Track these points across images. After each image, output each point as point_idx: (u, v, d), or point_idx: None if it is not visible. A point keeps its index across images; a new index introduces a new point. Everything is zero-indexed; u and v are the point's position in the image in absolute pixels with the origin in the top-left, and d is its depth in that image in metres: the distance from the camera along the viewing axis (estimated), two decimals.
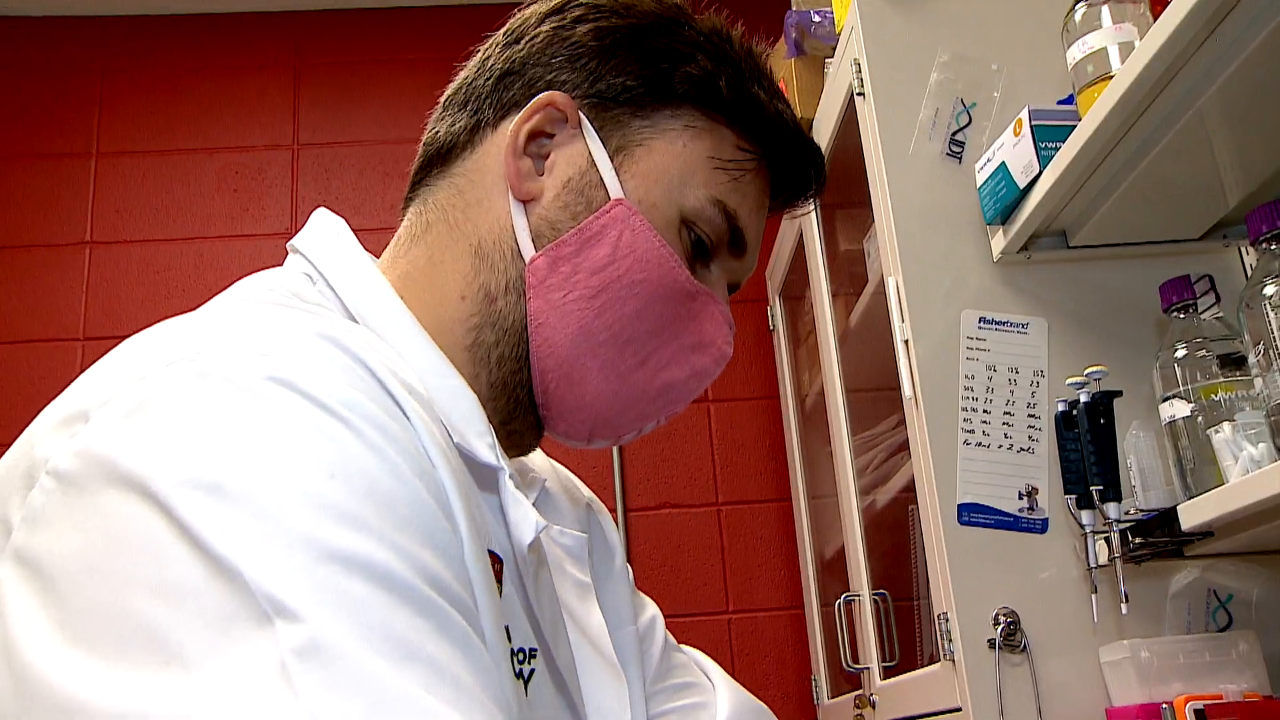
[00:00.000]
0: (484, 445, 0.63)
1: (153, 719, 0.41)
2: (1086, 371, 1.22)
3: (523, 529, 0.63)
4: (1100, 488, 1.19)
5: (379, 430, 0.49)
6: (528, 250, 0.68)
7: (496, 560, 0.61)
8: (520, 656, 0.63)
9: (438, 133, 0.74)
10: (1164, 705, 1.12)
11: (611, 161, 0.70)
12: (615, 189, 0.69)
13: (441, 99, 0.77)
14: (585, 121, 0.70)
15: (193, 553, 0.44)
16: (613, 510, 2.36)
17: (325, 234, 0.70)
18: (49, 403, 0.54)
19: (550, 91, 0.70)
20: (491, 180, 0.70)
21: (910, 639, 1.77)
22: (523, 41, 0.73)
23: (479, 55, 0.76)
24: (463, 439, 0.62)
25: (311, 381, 0.49)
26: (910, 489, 1.70)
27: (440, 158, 0.73)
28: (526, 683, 0.64)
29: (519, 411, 0.71)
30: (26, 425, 0.56)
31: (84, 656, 0.43)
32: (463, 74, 0.76)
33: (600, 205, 0.68)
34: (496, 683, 0.47)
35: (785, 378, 2.37)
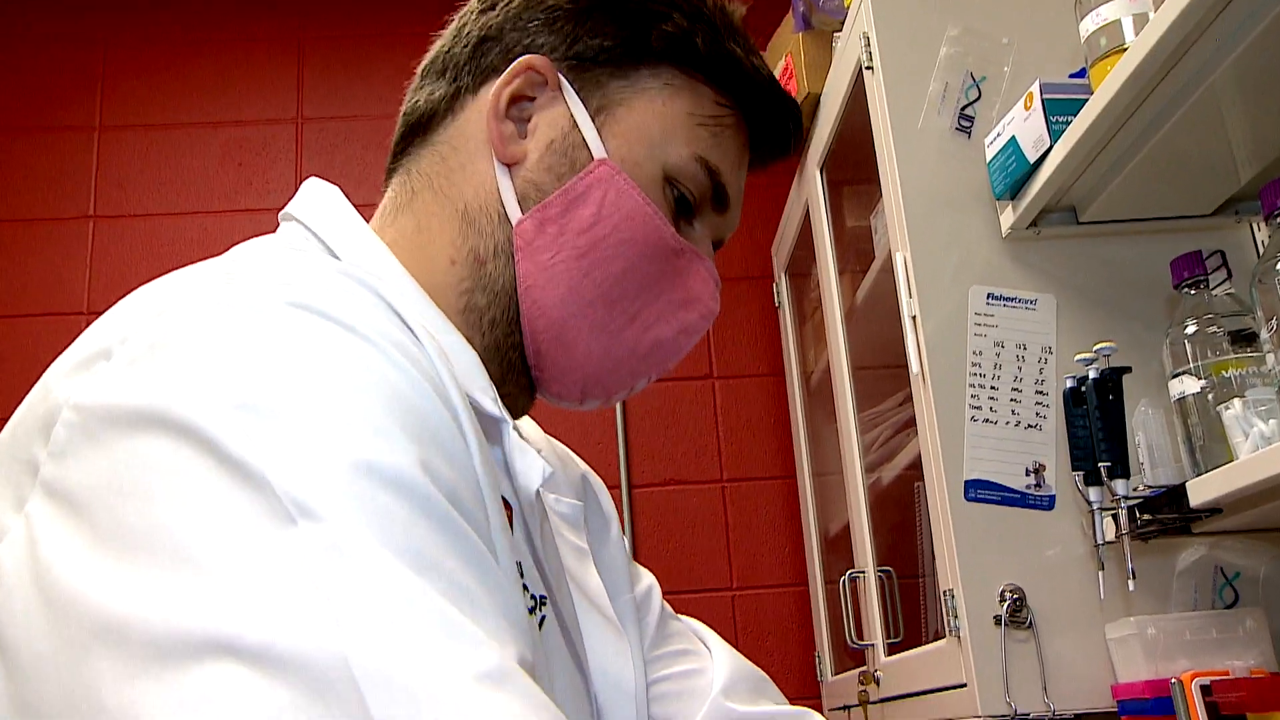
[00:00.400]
0: (487, 399, 0.63)
1: (180, 622, 0.41)
2: (1096, 348, 1.22)
3: (530, 476, 0.64)
4: (1108, 464, 1.19)
5: (398, 348, 0.50)
6: (514, 213, 0.69)
7: (506, 506, 0.62)
8: (533, 603, 0.64)
9: (417, 102, 0.75)
10: (1172, 681, 1.12)
11: (593, 122, 0.70)
12: (598, 149, 0.69)
13: (419, 69, 0.77)
14: (565, 83, 0.71)
15: (219, 466, 0.44)
16: (617, 486, 2.36)
17: (319, 200, 0.70)
18: None
19: (529, 55, 0.71)
20: (474, 146, 0.71)
21: (915, 616, 1.78)
22: (498, 7, 0.73)
23: (455, 23, 0.76)
24: (468, 389, 0.62)
25: (329, 304, 0.49)
26: (915, 466, 1.70)
27: (421, 127, 0.74)
28: (540, 629, 0.64)
29: (512, 374, 0.71)
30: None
31: (113, 570, 0.43)
32: (439, 43, 0.76)
33: (584, 166, 0.69)
34: (509, 604, 0.47)
35: (790, 355, 2.37)
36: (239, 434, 0.44)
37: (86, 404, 0.47)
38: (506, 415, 0.64)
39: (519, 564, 0.60)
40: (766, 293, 2.49)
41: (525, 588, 0.61)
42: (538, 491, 0.67)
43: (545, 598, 0.66)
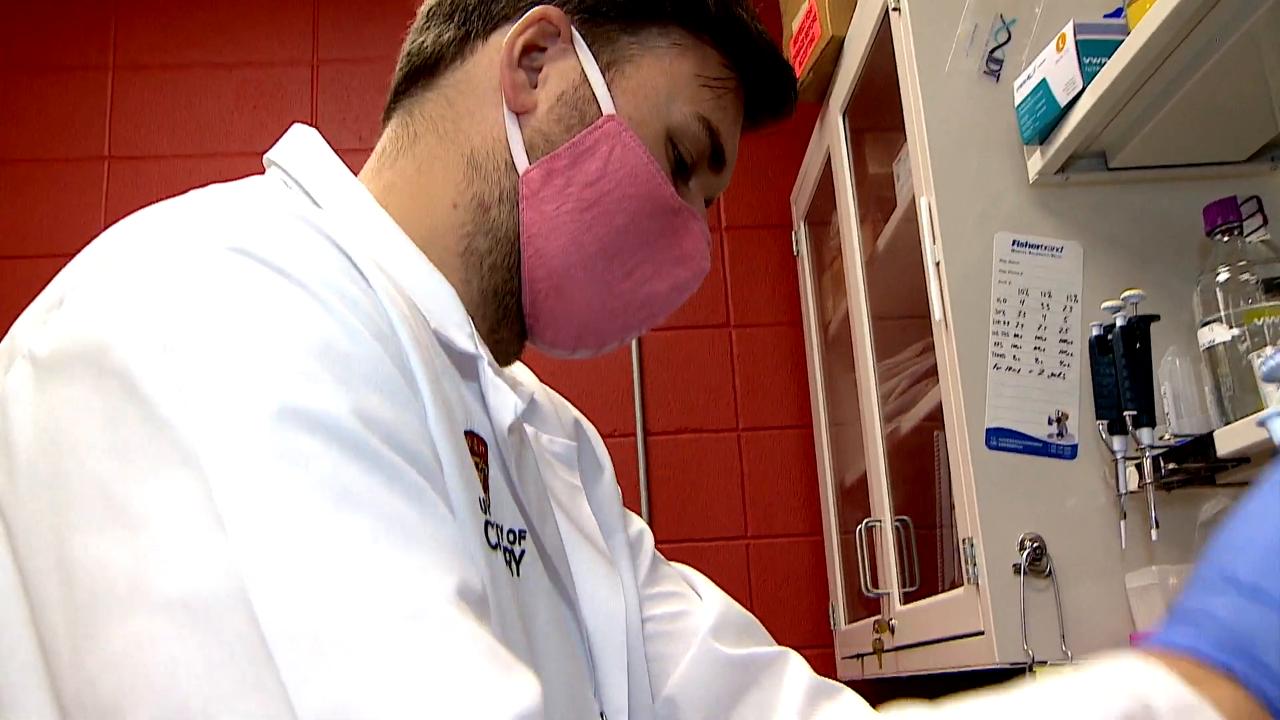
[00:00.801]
0: (462, 335, 0.64)
1: (105, 577, 0.43)
2: (1123, 295, 1.20)
3: (502, 412, 0.65)
4: (1134, 413, 1.18)
5: (338, 294, 0.50)
6: (521, 162, 0.70)
7: (480, 442, 0.63)
8: (510, 537, 0.65)
9: (423, 44, 0.75)
10: None
11: (603, 76, 0.71)
12: (607, 104, 0.70)
13: (422, 10, 0.77)
14: (577, 36, 0.72)
15: (140, 410, 0.45)
16: (632, 434, 2.36)
17: (301, 146, 0.71)
18: None
19: (543, 5, 0.71)
20: (483, 92, 0.71)
21: (930, 566, 1.78)
22: None
23: None
24: (441, 327, 0.64)
25: (270, 250, 0.50)
26: (933, 417, 1.69)
27: (426, 70, 0.74)
28: (518, 563, 0.65)
29: (507, 320, 0.72)
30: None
31: (47, 519, 0.45)
32: None
33: (593, 120, 0.70)
34: (456, 538, 0.48)
35: (808, 304, 2.35)
36: (161, 377, 0.45)
37: (37, 354, 0.49)
38: (483, 352, 0.65)
39: (483, 499, 0.61)
40: (785, 241, 2.47)
41: (491, 524, 0.62)
42: (518, 426, 0.68)
43: (524, 531, 0.67)
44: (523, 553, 0.66)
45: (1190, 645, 0.48)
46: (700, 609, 0.83)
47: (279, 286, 0.49)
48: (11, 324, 0.56)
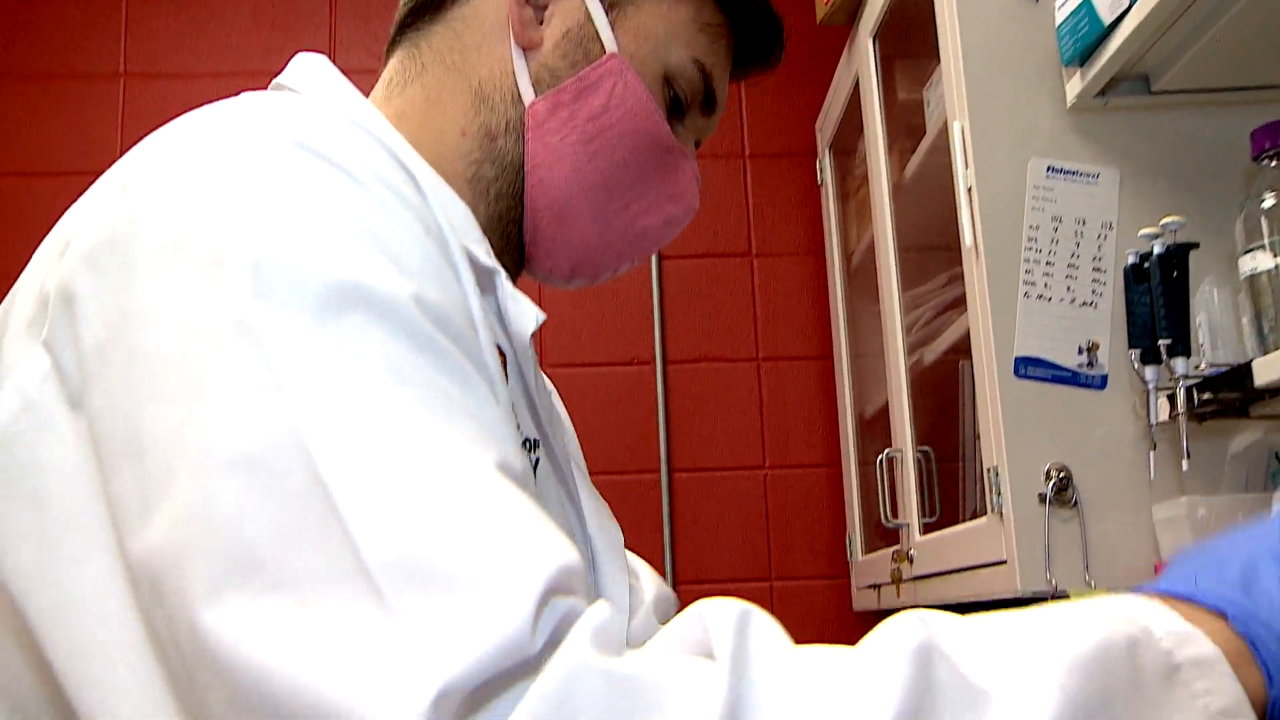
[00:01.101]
0: (481, 250, 0.66)
1: (175, 443, 0.44)
2: (1163, 222, 1.17)
3: (523, 321, 0.67)
4: (1169, 341, 1.15)
5: (393, 192, 0.52)
6: (527, 94, 0.73)
7: (500, 353, 0.65)
8: (527, 445, 0.68)
9: None
10: None
11: (606, 16, 0.74)
12: (610, 43, 0.74)
13: None
14: None
15: (211, 287, 0.46)
16: (651, 362, 2.34)
17: (311, 71, 0.73)
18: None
19: None
20: (490, 26, 0.74)
21: (950, 498, 1.77)
22: None
23: None
24: (463, 241, 0.64)
25: (330, 147, 0.51)
26: (956, 349, 1.68)
27: (433, 3, 0.77)
28: (534, 469, 0.68)
29: (508, 247, 0.75)
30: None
31: (124, 391, 0.47)
32: None
33: (596, 58, 0.73)
34: (499, 421, 0.49)
35: (831, 233, 2.32)
36: (232, 255, 0.46)
37: (99, 238, 0.50)
38: (499, 266, 0.67)
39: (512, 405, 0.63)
40: (809, 170, 2.43)
41: (519, 427, 0.64)
42: (534, 338, 0.70)
43: (539, 441, 0.70)
44: (538, 460, 0.70)
45: (1186, 591, 0.51)
46: (640, 585, 0.87)
47: (339, 179, 0.50)
48: (29, 239, 0.57)
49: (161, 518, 0.43)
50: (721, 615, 0.43)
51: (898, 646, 0.43)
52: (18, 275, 0.57)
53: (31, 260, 0.56)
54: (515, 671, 0.39)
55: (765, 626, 0.43)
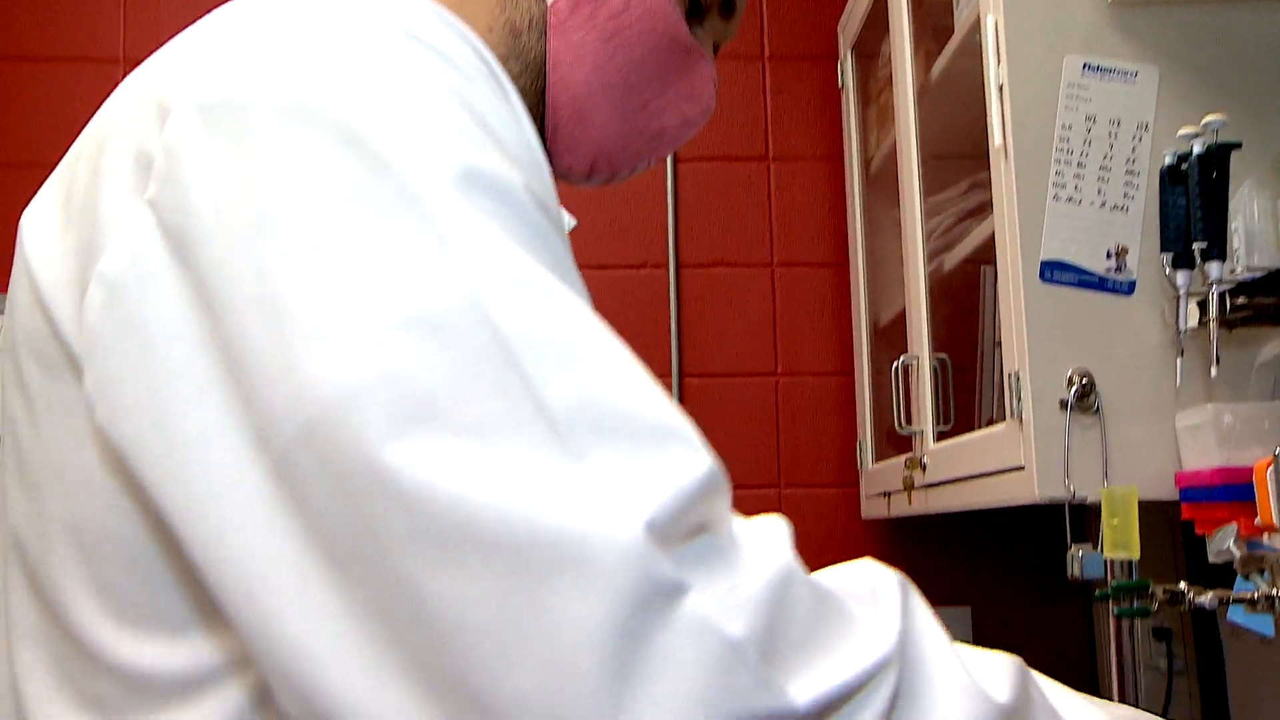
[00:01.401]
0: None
1: (328, 302, 0.45)
2: (1204, 121, 1.13)
3: (565, 219, 0.69)
4: (1204, 245, 1.13)
5: (496, 86, 0.54)
6: None
7: None
8: None
9: None
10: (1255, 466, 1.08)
11: None
12: None
13: None
14: None
15: (355, 157, 0.48)
16: (664, 266, 2.32)
17: None
18: (87, 125, 0.59)
19: None
20: None
21: (965, 406, 1.76)
22: None
23: None
24: None
25: (438, 40, 0.53)
26: (978, 256, 1.65)
27: None
28: None
29: None
30: (67, 147, 0.59)
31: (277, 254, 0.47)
32: None
33: None
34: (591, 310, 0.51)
35: (851, 139, 2.27)
36: (372, 127, 0.48)
37: (207, 106, 0.50)
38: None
39: None
40: (829, 73, 2.38)
41: None
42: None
43: None
44: None
45: None
46: None
47: (449, 70, 0.52)
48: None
49: (317, 369, 0.44)
50: (886, 575, 0.52)
51: (1005, 658, 0.55)
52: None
53: (99, 123, 0.57)
54: (718, 498, 0.45)
55: (917, 593, 0.53)
